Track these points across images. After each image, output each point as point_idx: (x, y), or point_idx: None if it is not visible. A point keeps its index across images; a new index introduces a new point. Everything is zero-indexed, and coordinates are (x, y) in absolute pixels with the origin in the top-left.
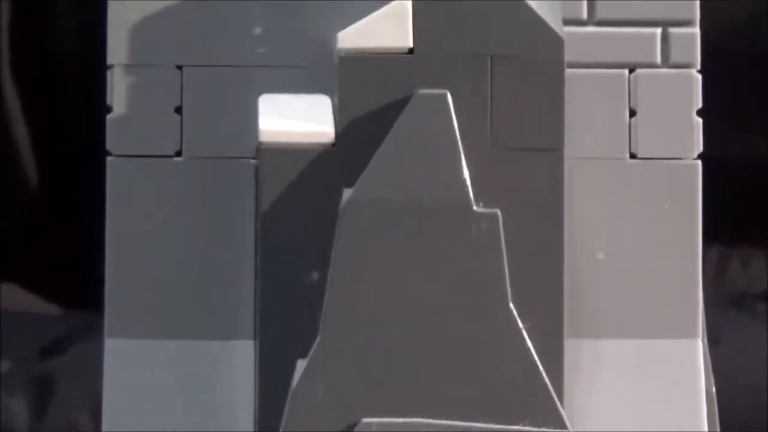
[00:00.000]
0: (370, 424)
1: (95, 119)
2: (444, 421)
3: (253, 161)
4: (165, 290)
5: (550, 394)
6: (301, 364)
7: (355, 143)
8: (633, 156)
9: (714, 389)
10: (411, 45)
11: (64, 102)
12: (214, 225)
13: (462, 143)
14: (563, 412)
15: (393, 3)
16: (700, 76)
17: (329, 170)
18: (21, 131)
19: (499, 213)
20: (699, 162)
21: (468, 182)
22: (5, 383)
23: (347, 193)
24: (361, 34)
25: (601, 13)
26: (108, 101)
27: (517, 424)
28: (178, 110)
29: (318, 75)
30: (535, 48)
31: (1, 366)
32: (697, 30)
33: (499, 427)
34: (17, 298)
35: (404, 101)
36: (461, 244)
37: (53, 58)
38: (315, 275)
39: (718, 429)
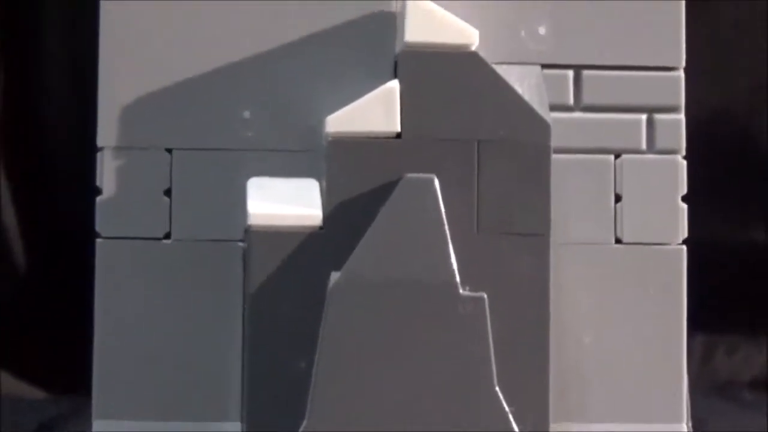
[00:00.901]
0: None
1: (85, 201)
2: None
3: (241, 244)
4: (153, 371)
5: None
6: None
7: (343, 226)
8: (618, 241)
9: None
10: (399, 129)
11: (54, 184)
12: (203, 307)
13: (449, 227)
14: None
15: (381, 88)
16: (685, 162)
17: (317, 253)
18: (9, 213)
19: (485, 296)
20: (684, 247)
21: (455, 266)
22: None
23: (335, 276)
24: (350, 119)
25: (587, 99)
26: (98, 183)
27: None
28: (168, 193)
29: (306, 159)
30: (522, 133)
31: None
32: (682, 116)
33: None
34: (5, 383)
35: (392, 185)
36: (447, 327)
37: (43, 140)
38: (302, 362)
39: None
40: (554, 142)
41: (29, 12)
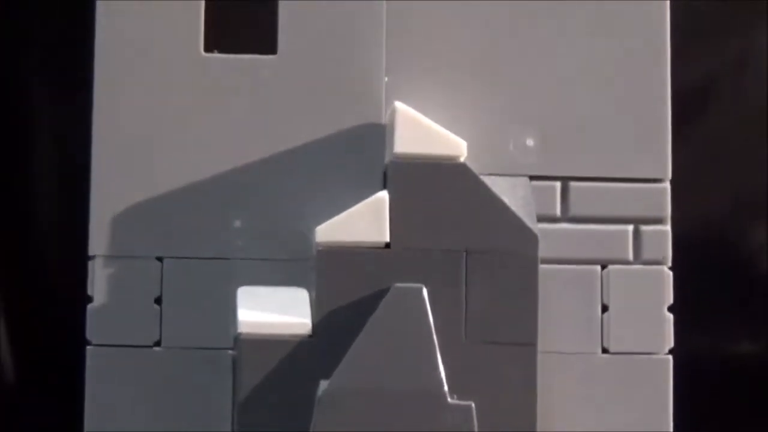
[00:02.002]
0: None
1: (76, 309)
2: None
3: (231, 352)
4: None
5: None
6: None
7: (332, 335)
8: (605, 351)
9: None
10: (387, 239)
11: (45, 291)
12: (192, 415)
13: (437, 336)
14: None
15: (370, 198)
16: (671, 273)
17: (306, 362)
18: None
19: (473, 405)
20: (670, 357)
21: (442, 374)
22: None
23: (324, 385)
24: (339, 229)
25: (575, 210)
26: (89, 291)
27: None
28: (158, 301)
29: (296, 268)
30: (510, 244)
31: None
32: (668, 227)
33: None
34: None
35: (381, 294)
36: None
37: (34, 247)
38: None
39: None
40: (542, 253)
41: (20, 117)
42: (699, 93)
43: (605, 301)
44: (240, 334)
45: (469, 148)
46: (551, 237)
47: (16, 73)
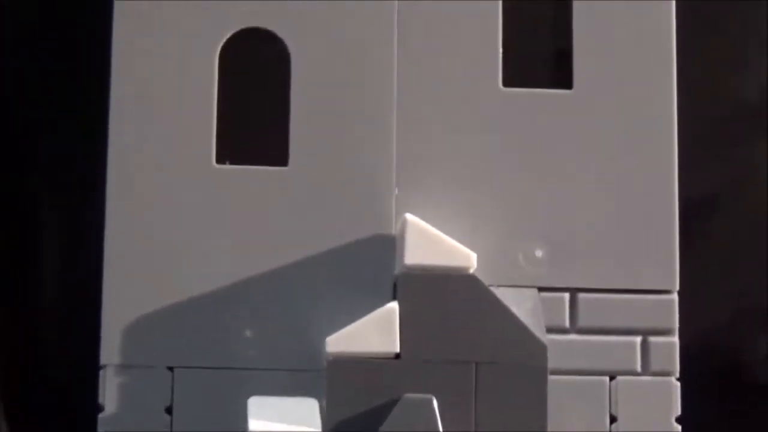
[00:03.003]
0: None
1: (87, 418)
2: None
3: None
4: None
5: None
6: None
7: None
8: None
9: None
10: (398, 350)
11: (56, 400)
12: None
13: None
14: None
15: (380, 309)
16: (678, 384)
17: None
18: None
19: None
20: None
21: None
22: None
23: None
24: (349, 339)
25: (583, 321)
26: (100, 400)
27: None
28: (169, 410)
29: (307, 378)
30: (519, 355)
31: None
32: (676, 339)
33: None
34: None
35: (391, 405)
36: None
37: (46, 356)
38: None
39: None
40: (551, 364)
41: (31, 225)
42: (704, 205)
43: (613, 412)
44: None
45: (479, 259)
46: (560, 348)
47: (27, 183)
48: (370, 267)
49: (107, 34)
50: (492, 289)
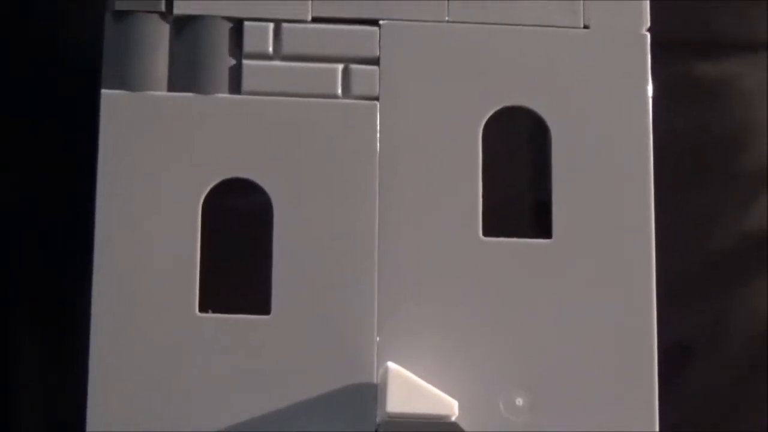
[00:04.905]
0: None
1: None
2: None
3: None
4: None
5: None
6: None
7: None
8: None
9: None
10: None
11: None
12: None
13: None
14: None
15: None
16: None
17: None
18: None
19: None
20: None
21: None
22: None
23: None
24: None
25: None
26: None
27: None
28: None
29: None
30: None
31: None
32: None
33: None
34: None
35: None
36: None
37: None
38: None
39: None
40: None
41: (9, 359)
42: (682, 349)
43: None
44: None
45: (460, 407)
46: None
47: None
48: (352, 415)
49: (92, 187)
50: None
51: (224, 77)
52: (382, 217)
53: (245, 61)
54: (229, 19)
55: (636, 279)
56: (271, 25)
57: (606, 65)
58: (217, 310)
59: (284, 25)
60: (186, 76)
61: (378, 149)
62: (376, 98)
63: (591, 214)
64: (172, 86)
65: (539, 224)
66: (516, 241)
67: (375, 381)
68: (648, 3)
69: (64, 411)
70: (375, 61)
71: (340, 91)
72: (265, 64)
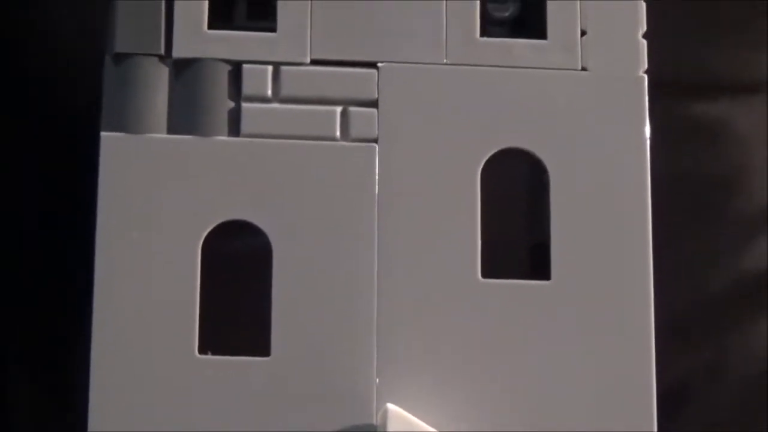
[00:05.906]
0: None
1: None
2: None
3: None
4: None
5: None
6: None
7: None
8: None
9: None
10: None
11: None
12: None
13: None
14: None
15: None
16: None
17: None
18: None
19: None
20: None
21: None
22: None
23: None
24: None
25: None
26: None
27: None
28: None
29: None
30: None
31: None
32: None
33: None
34: None
35: None
36: None
37: None
38: None
39: None
40: None
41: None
42: (680, 391)
43: None
44: None
45: None
46: None
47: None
48: None
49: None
50: None
51: (223, 120)
52: (381, 259)
53: (244, 104)
54: (228, 61)
55: (635, 320)
56: (270, 68)
57: (603, 107)
58: (216, 352)
59: (283, 67)
60: (185, 118)
61: (377, 191)
62: (375, 140)
63: (590, 255)
64: (172, 128)
65: (538, 266)
66: (515, 282)
67: (374, 422)
68: (645, 45)
69: None
70: (373, 104)
71: (338, 133)
72: (264, 107)
